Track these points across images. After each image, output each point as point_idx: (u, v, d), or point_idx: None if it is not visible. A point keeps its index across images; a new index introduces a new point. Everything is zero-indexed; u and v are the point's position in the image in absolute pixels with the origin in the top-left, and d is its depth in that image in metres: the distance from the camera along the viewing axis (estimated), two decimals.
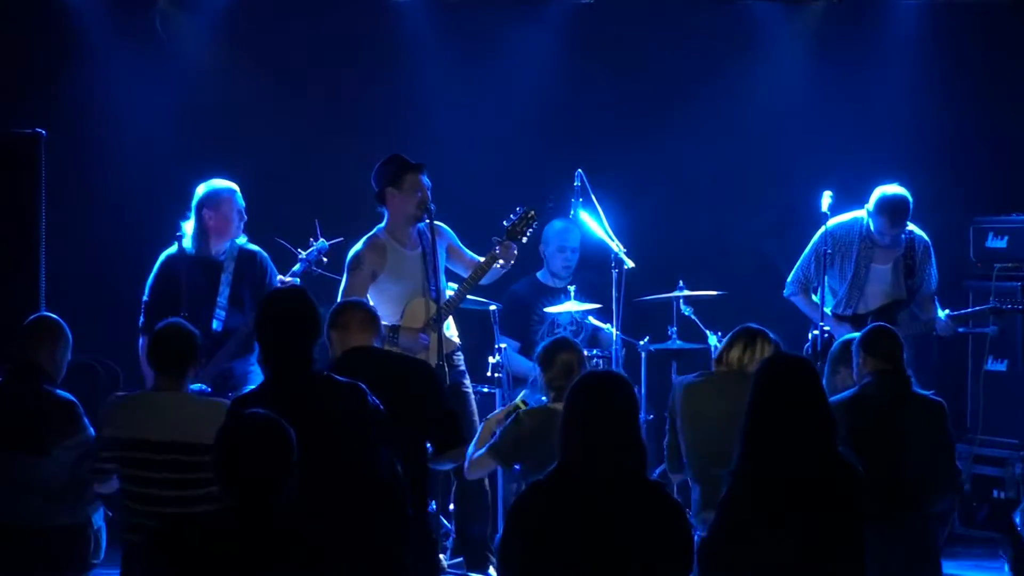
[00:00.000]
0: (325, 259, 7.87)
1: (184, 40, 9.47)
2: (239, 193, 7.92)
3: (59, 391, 6.46)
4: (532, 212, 7.87)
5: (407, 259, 7.80)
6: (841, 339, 6.89)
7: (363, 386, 5.31)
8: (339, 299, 7.59)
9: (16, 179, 7.94)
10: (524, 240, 7.90)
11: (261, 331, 5.36)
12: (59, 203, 8.26)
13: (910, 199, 8.34)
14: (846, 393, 6.27)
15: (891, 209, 8.29)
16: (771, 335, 6.69)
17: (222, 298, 7.79)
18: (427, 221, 7.62)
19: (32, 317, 6.73)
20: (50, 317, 6.74)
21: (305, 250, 7.84)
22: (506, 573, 4.75)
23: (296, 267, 7.82)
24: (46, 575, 6.36)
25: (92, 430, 6.39)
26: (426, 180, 7.77)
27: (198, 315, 7.62)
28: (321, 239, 7.84)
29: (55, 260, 8.04)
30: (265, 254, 7.98)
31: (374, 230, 7.85)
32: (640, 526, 4.61)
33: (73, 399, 6.45)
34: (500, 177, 9.43)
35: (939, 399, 6.36)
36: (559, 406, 6.18)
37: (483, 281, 7.89)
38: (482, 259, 7.82)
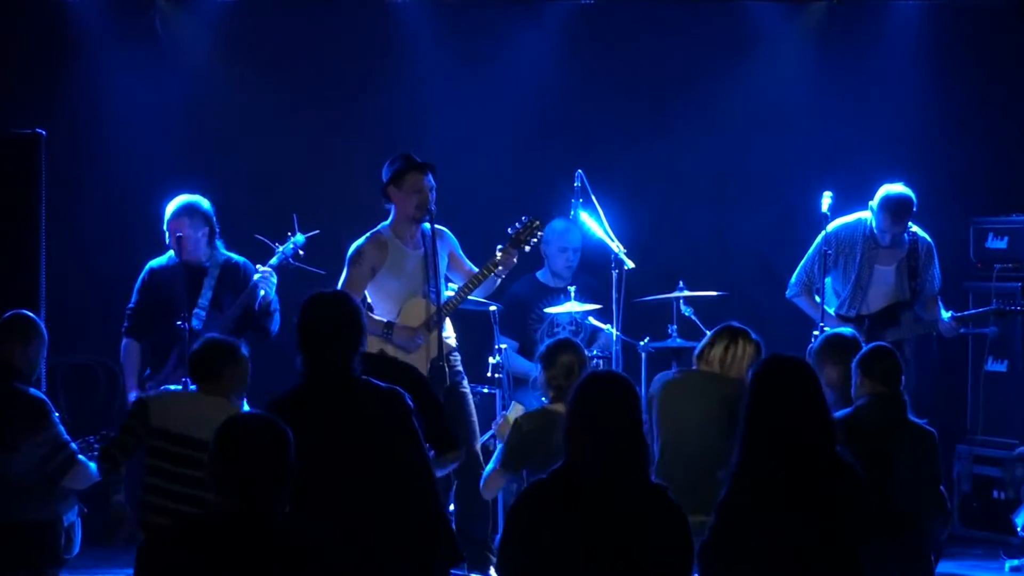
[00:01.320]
0: (301, 252, 7.91)
1: (184, 40, 9.46)
2: (197, 211, 7.92)
3: (30, 389, 6.46)
4: (537, 222, 7.88)
5: (408, 257, 7.81)
6: (824, 336, 6.86)
7: (403, 392, 5.29)
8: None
9: (16, 179, 7.94)
10: (527, 249, 7.92)
11: (302, 333, 5.33)
12: (59, 203, 8.26)
13: (914, 199, 8.34)
14: (840, 413, 6.25)
15: (894, 207, 8.29)
16: (753, 334, 6.70)
17: (203, 299, 7.86)
18: (427, 222, 7.62)
19: (7, 315, 6.72)
20: (24, 315, 6.73)
21: (282, 244, 7.89)
22: (506, 573, 4.74)
23: (273, 260, 7.89)
24: (17, 570, 6.36)
25: (62, 427, 6.42)
26: (430, 181, 7.77)
27: (181, 317, 7.67)
28: (298, 233, 7.89)
29: (55, 260, 8.04)
30: (251, 265, 8.01)
31: (379, 226, 7.89)
32: (641, 528, 4.60)
33: (43, 396, 6.48)
34: (500, 177, 9.43)
35: (931, 429, 6.33)
36: (559, 407, 6.20)
37: (480, 293, 7.90)
38: (481, 268, 7.84)
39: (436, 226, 7.86)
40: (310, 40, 9.59)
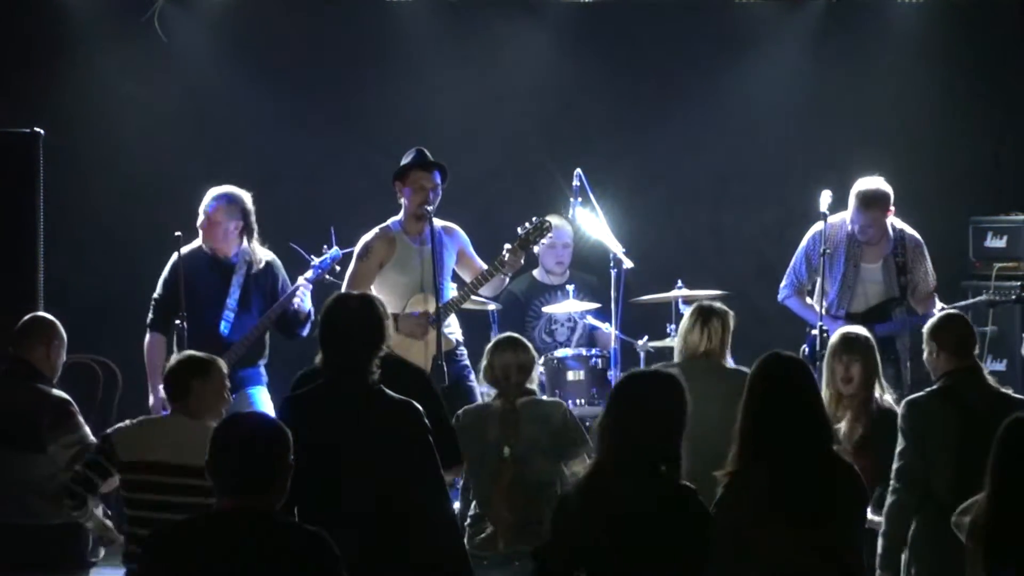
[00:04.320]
0: (338, 267, 7.84)
1: (184, 40, 9.48)
2: (235, 201, 7.76)
3: (54, 390, 6.47)
4: (547, 223, 7.86)
5: (414, 253, 7.81)
6: (838, 332, 6.85)
7: (417, 405, 5.26)
8: (346, 285, 7.65)
9: (14, 178, 7.94)
10: (536, 249, 7.91)
11: (321, 335, 5.31)
12: (58, 202, 8.27)
13: (885, 192, 8.27)
14: (924, 392, 6.21)
15: (859, 197, 8.25)
16: (719, 309, 6.71)
17: (232, 300, 7.73)
18: (429, 220, 7.63)
19: (27, 317, 6.73)
20: (44, 317, 6.74)
21: (319, 257, 7.81)
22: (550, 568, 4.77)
23: (309, 274, 7.76)
24: (44, 573, 6.37)
25: (87, 428, 6.41)
26: (434, 179, 7.77)
27: (205, 316, 7.60)
28: (335, 247, 7.82)
29: (54, 259, 8.04)
30: (277, 261, 7.92)
31: (388, 221, 7.91)
32: (666, 529, 4.64)
33: (67, 397, 6.46)
34: (499, 176, 9.45)
35: (1020, 396, 6.22)
36: (497, 403, 6.31)
37: (486, 291, 7.90)
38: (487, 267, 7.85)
39: (448, 224, 7.90)
40: (310, 40, 9.61)
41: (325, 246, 7.82)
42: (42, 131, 7.99)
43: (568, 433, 6.35)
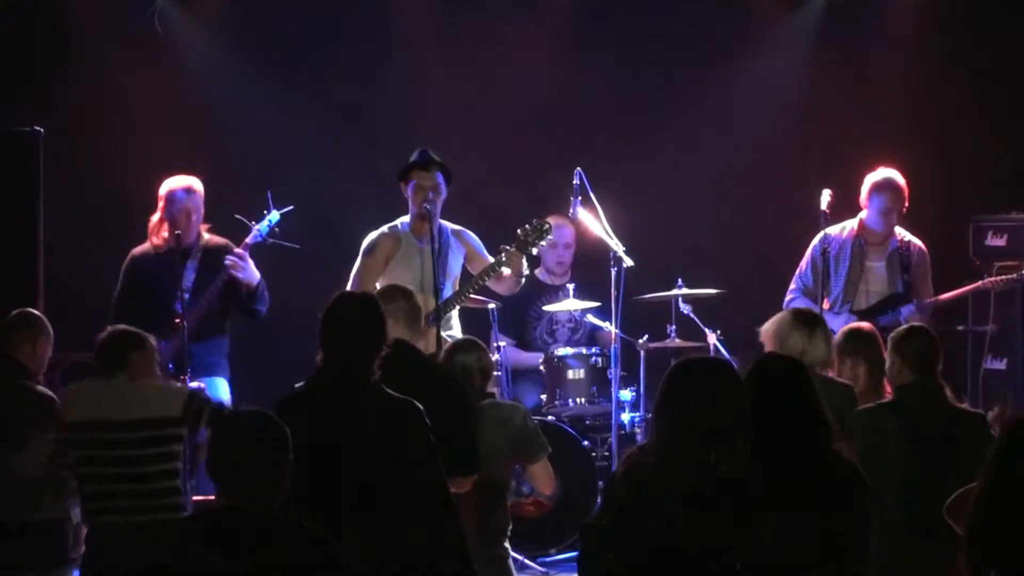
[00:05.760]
0: (277, 229, 7.91)
1: (184, 39, 9.48)
2: (197, 191, 7.89)
3: (38, 386, 6.48)
4: (547, 225, 7.85)
5: (418, 252, 7.85)
6: (840, 331, 6.84)
7: (418, 405, 5.25)
8: (351, 280, 7.74)
9: (14, 177, 7.95)
10: (534, 251, 7.90)
11: (322, 334, 5.30)
12: (57, 201, 8.27)
13: (898, 176, 8.34)
14: (878, 403, 6.18)
15: (884, 185, 8.28)
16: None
17: (187, 282, 7.80)
18: (431, 220, 7.64)
19: (13, 313, 6.72)
20: (31, 312, 6.74)
21: (257, 222, 7.89)
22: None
23: (249, 239, 7.87)
24: (26, 569, 6.37)
25: None
26: (435, 179, 7.79)
27: (162, 300, 7.67)
28: (273, 210, 7.89)
29: (53, 258, 8.04)
30: (232, 246, 7.97)
31: (397, 220, 7.98)
32: (709, 522, 4.62)
33: (52, 394, 6.48)
34: (499, 176, 9.44)
35: (979, 411, 6.21)
36: None
37: (502, 290, 7.92)
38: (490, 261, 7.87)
39: (458, 227, 7.96)
40: (309, 38, 9.61)
41: (264, 211, 7.87)
42: (42, 130, 7.98)
43: (527, 436, 6.32)
